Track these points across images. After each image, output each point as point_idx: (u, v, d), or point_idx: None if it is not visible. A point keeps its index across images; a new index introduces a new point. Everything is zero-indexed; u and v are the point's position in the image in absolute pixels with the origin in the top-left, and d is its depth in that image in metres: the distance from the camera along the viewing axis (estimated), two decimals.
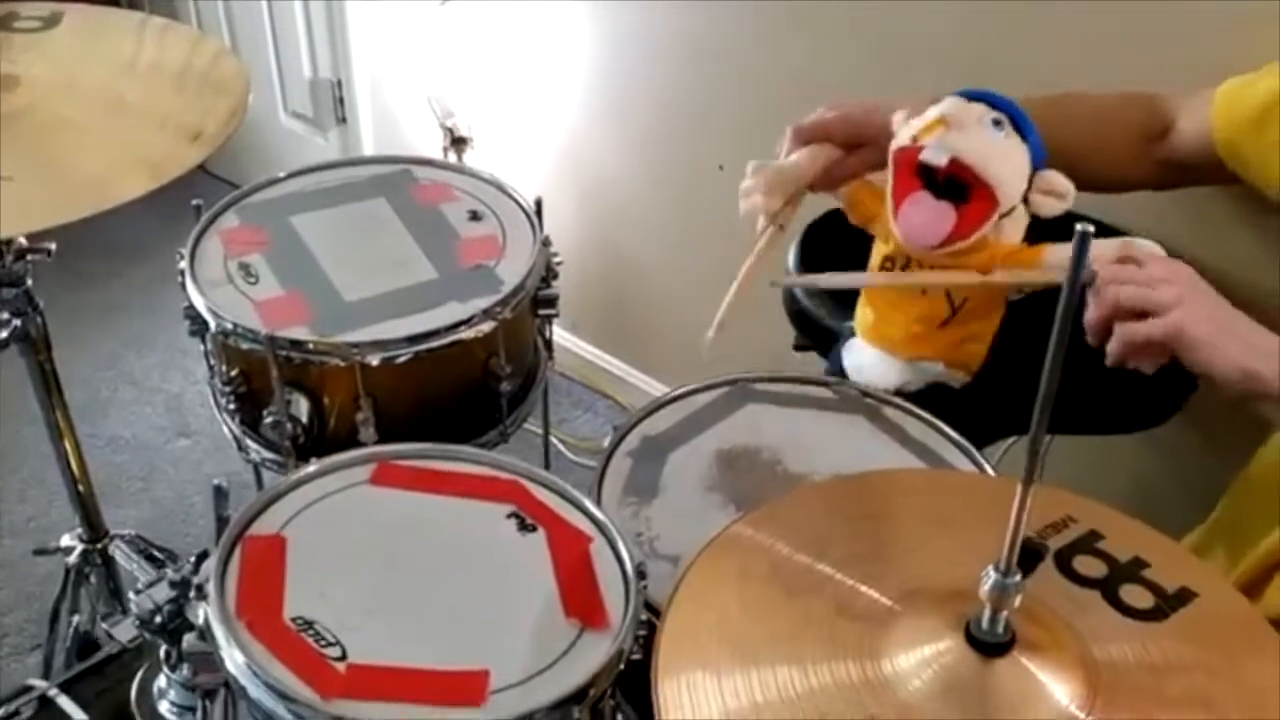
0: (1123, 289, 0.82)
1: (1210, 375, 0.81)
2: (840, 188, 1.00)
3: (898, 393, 1.01)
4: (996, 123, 0.90)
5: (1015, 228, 0.92)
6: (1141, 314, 0.81)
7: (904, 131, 0.92)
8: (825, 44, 1.53)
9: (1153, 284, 0.82)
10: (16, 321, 1.14)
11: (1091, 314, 0.84)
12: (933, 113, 0.91)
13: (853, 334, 1.05)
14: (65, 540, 1.35)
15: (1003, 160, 0.89)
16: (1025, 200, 0.91)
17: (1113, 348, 0.83)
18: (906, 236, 0.92)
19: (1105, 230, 1.19)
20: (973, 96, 0.92)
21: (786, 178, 0.97)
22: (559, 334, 1.24)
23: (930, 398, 1.01)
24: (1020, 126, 0.91)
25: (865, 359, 1.03)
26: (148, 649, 1.00)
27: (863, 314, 1.03)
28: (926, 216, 0.90)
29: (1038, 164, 0.91)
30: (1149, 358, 0.83)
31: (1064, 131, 0.95)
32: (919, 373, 1.00)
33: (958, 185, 0.89)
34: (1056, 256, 0.91)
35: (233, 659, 0.73)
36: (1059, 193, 0.90)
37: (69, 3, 1.19)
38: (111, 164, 1.00)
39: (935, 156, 0.88)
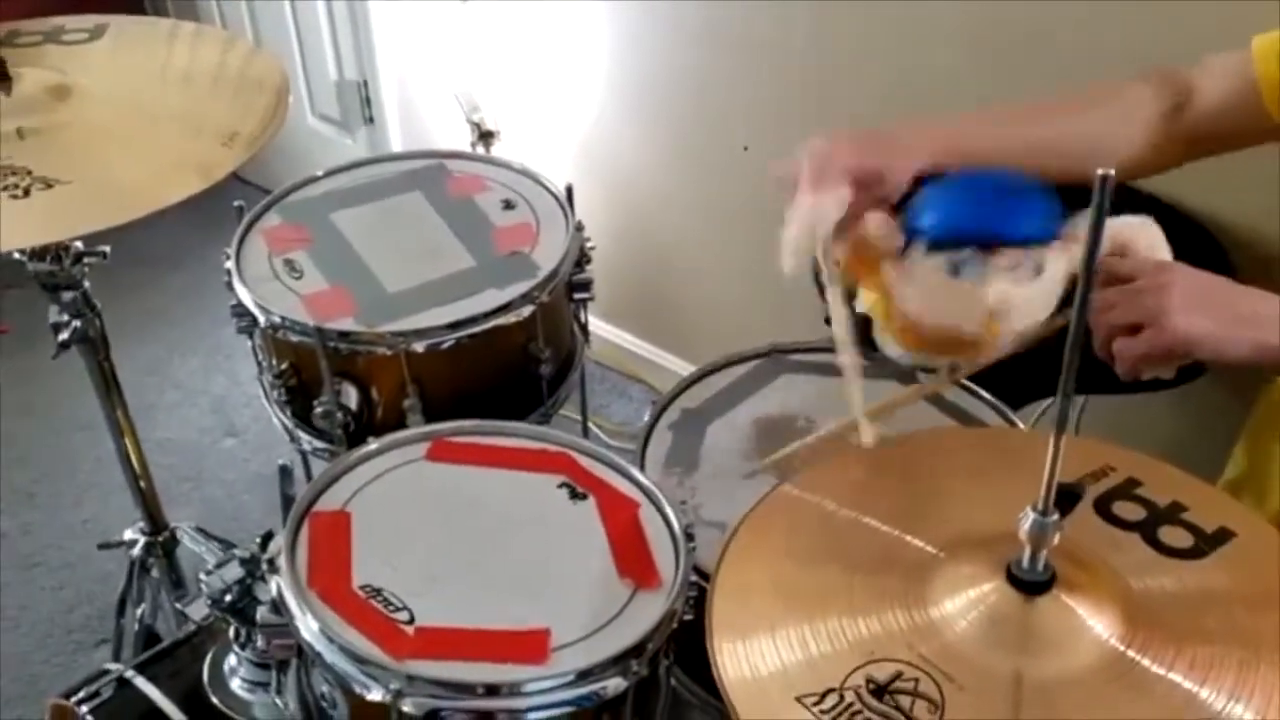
0: (1110, 315, 0.81)
1: (1223, 362, 0.80)
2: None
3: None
4: (1036, 269, 0.82)
5: None
6: (1136, 328, 0.80)
7: (945, 313, 0.83)
8: (840, 21, 1.54)
9: (1137, 297, 0.81)
10: (77, 323, 1.18)
11: (1095, 343, 0.83)
12: (980, 307, 0.81)
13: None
14: (128, 534, 1.39)
15: (1053, 296, 0.82)
16: None
17: (1118, 368, 0.82)
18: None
19: (1119, 194, 1.19)
20: (994, 234, 0.82)
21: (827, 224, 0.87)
22: (592, 322, 1.27)
23: None
24: (1047, 233, 0.82)
25: (889, 348, 1.01)
26: (216, 631, 1.04)
27: (891, 332, 0.93)
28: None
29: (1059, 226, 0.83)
30: (1160, 366, 0.81)
31: (1081, 129, 0.93)
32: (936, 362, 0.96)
33: None
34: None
35: (307, 626, 0.77)
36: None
37: (106, 13, 1.23)
38: (160, 167, 1.04)
39: (1005, 351, 0.82)
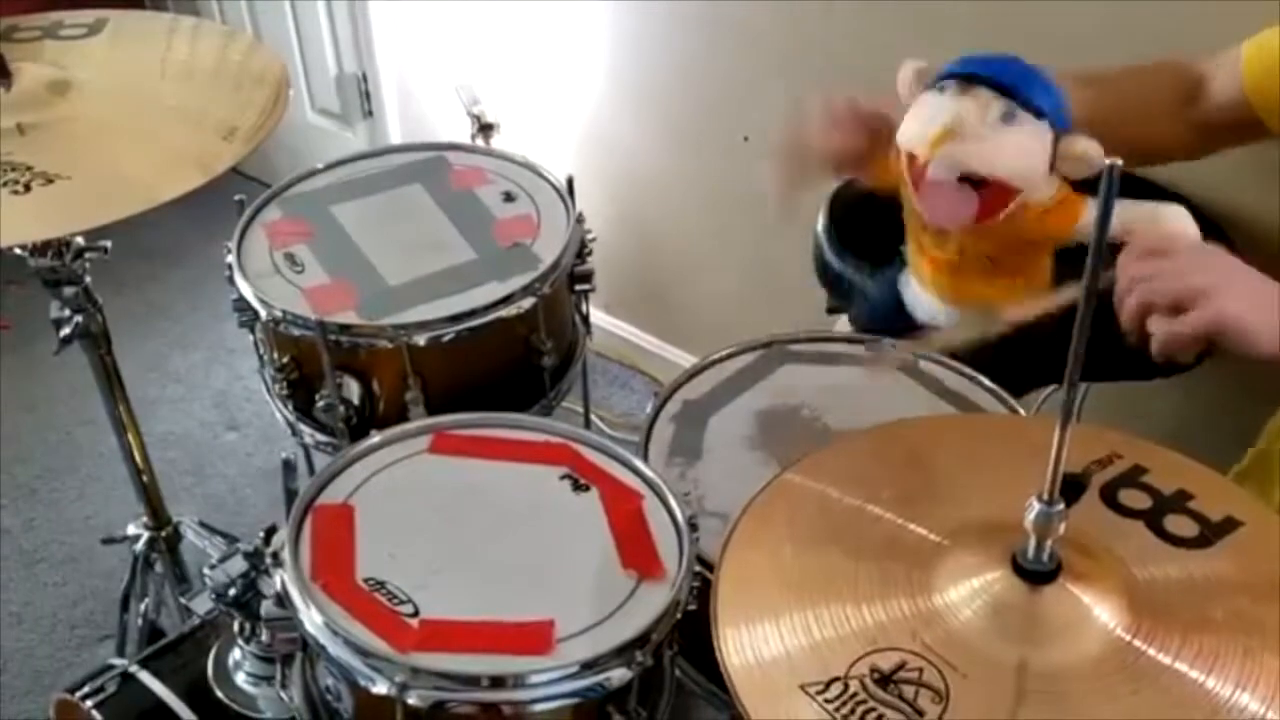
0: (1154, 285, 0.79)
1: (1261, 355, 0.78)
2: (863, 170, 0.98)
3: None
4: (1006, 115, 0.86)
5: (1046, 188, 0.91)
6: (1175, 307, 0.79)
7: (909, 133, 0.89)
8: (842, 11, 1.54)
9: (1184, 275, 0.79)
10: (78, 318, 1.18)
11: (1127, 314, 0.81)
12: (936, 123, 0.87)
13: (904, 264, 1.03)
14: (131, 529, 1.39)
15: (1015, 155, 0.86)
16: (1052, 167, 0.89)
17: (1156, 347, 0.80)
18: (932, 218, 0.91)
19: (1138, 185, 1.19)
20: (976, 73, 0.87)
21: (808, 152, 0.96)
22: (593, 314, 1.27)
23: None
24: (1033, 99, 0.86)
25: (926, 305, 1.01)
26: (220, 625, 1.04)
27: (916, 263, 1.01)
28: (948, 203, 0.88)
29: (1062, 127, 0.88)
30: (1190, 349, 0.80)
31: (1097, 105, 0.92)
32: (981, 318, 0.97)
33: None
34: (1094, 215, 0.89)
35: (311, 620, 0.77)
36: (1084, 158, 0.88)
37: (105, 8, 1.23)
38: (160, 161, 1.04)
39: (943, 173, 0.86)
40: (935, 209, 0.91)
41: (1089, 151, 0.88)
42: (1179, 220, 0.88)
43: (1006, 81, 0.87)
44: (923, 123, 0.88)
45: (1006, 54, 0.90)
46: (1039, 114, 0.87)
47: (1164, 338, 0.80)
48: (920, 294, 1.01)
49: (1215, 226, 1.25)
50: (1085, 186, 0.90)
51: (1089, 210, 0.89)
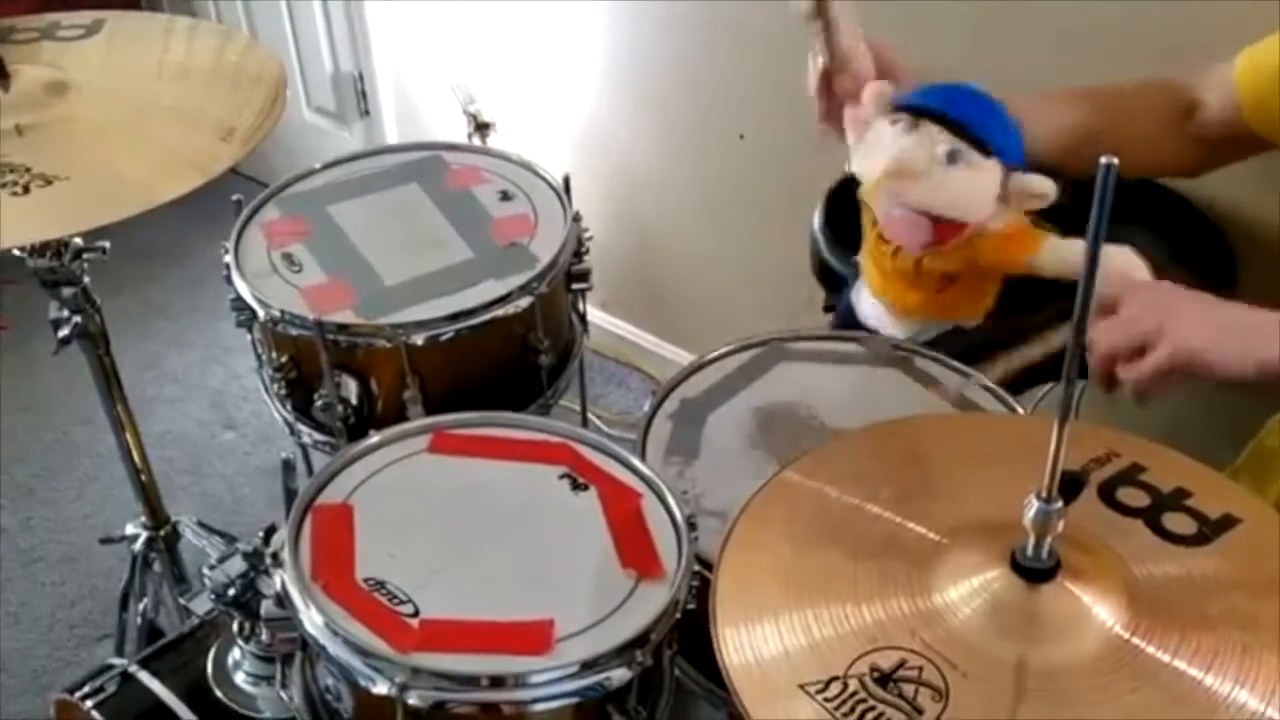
0: (1109, 338, 0.83)
1: (1226, 378, 0.80)
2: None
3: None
4: (951, 154, 0.88)
5: (998, 219, 0.93)
6: (1137, 353, 0.82)
7: (861, 163, 0.92)
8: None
9: (1135, 320, 0.82)
10: (76, 319, 1.18)
11: (1095, 371, 0.84)
12: (883, 158, 0.89)
13: (858, 276, 1.07)
14: (129, 529, 1.39)
15: (956, 195, 0.89)
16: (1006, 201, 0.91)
17: (1131, 393, 0.83)
18: (891, 237, 0.94)
19: (1139, 189, 1.20)
20: (927, 108, 0.89)
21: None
22: (590, 312, 1.27)
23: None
24: (984, 136, 0.88)
25: (874, 312, 1.05)
26: (219, 625, 1.04)
27: (867, 270, 1.04)
28: (904, 228, 0.91)
29: (1014, 163, 0.89)
30: (1169, 386, 0.82)
31: (1090, 118, 0.95)
32: (925, 328, 1.03)
33: None
34: (1056, 254, 0.91)
35: (311, 620, 0.77)
36: (1036, 194, 0.90)
37: (102, 9, 1.23)
38: (158, 162, 1.04)
39: (889, 207, 0.89)
40: (894, 233, 0.93)
41: (1041, 188, 0.90)
42: (1125, 264, 0.90)
43: (956, 118, 0.88)
44: (871, 155, 0.91)
45: (963, 86, 0.91)
46: (987, 152, 0.88)
47: (1134, 382, 0.82)
48: (870, 302, 1.04)
49: (1213, 227, 1.26)
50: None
51: (1046, 245, 0.92)
